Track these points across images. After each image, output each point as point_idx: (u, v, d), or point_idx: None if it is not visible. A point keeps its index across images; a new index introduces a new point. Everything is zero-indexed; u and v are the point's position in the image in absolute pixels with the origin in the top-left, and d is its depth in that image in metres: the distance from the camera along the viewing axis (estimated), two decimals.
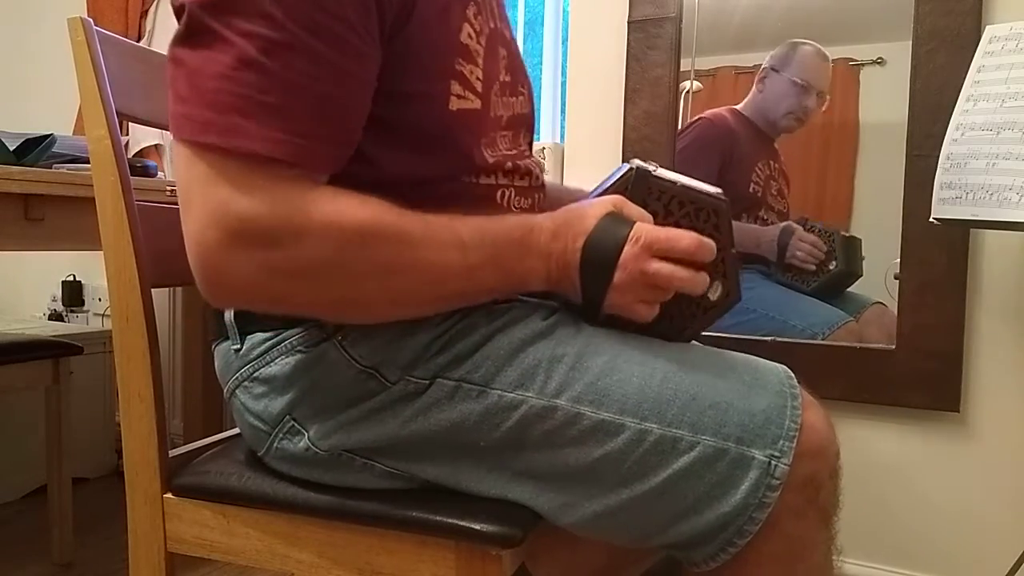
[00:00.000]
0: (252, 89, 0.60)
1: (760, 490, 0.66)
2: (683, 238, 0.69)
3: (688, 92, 1.61)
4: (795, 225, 1.52)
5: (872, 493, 1.46)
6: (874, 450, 1.46)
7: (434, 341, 0.72)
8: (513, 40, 0.87)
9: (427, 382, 0.71)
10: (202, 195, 0.61)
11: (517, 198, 0.82)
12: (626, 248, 0.69)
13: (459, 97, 0.73)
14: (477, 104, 0.75)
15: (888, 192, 1.41)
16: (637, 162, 0.76)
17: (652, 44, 1.61)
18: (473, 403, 0.70)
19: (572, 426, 0.69)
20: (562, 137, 1.85)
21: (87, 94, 0.82)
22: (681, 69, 1.59)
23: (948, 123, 1.14)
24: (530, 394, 0.70)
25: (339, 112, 0.65)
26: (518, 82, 0.87)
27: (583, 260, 0.70)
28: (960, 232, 1.35)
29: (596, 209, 0.72)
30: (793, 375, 0.73)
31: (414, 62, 0.70)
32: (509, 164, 0.81)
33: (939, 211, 1.13)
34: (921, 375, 1.39)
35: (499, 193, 0.80)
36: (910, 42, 1.39)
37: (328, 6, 0.61)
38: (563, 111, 1.80)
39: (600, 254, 0.70)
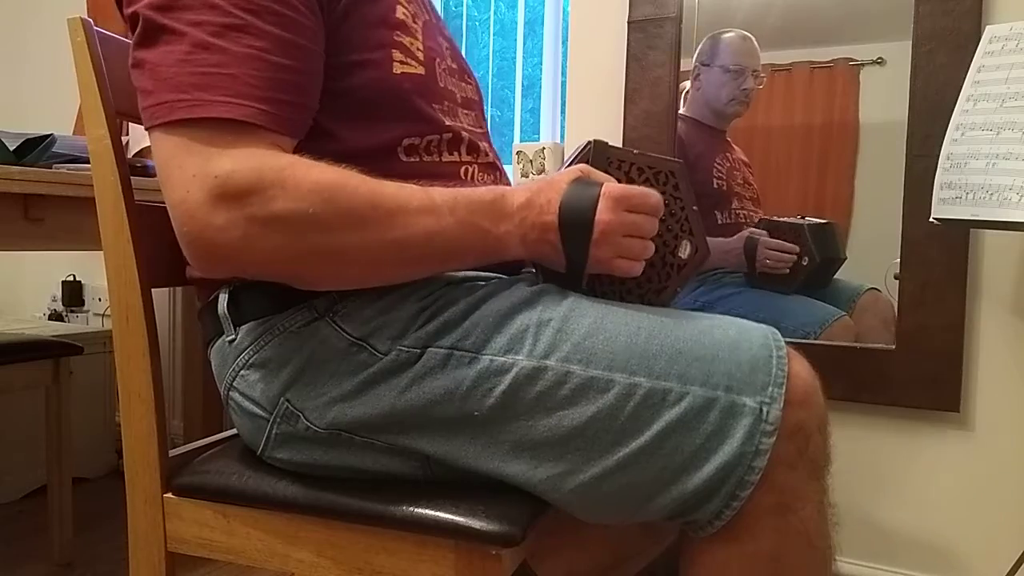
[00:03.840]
0: (209, 66, 0.66)
1: (755, 436, 0.68)
2: (651, 194, 0.75)
3: (685, 92, 1.61)
4: (757, 233, 1.52)
5: (872, 493, 1.46)
6: (874, 450, 1.46)
7: (422, 312, 0.74)
8: (452, 38, 0.94)
9: (419, 351, 0.73)
10: (179, 165, 0.66)
11: (480, 174, 0.86)
12: (600, 204, 0.73)
13: (401, 63, 0.79)
14: (421, 71, 0.81)
15: (888, 192, 1.41)
16: (595, 138, 0.82)
17: (652, 44, 1.61)
18: (465, 369, 0.72)
19: (563, 385, 0.70)
20: (562, 137, 1.85)
21: (87, 94, 0.82)
22: (681, 69, 1.59)
23: (948, 123, 1.14)
24: (520, 357, 0.71)
25: (293, 78, 0.70)
26: (465, 71, 0.93)
27: (562, 220, 0.73)
28: (960, 232, 1.35)
29: (565, 176, 0.76)
30: (776, 330, 0.75)
31: (353, 35, 0.76)
32: (466, 135, 0.85)
33: (939, 211, 1.13)
34: (921, 375, 1.39)
35: (463, 169, 0.84)
36: (910, 42, 1.39)
37: None
38: (563, 111, 1.80)
39: (577, 212, 0.73)
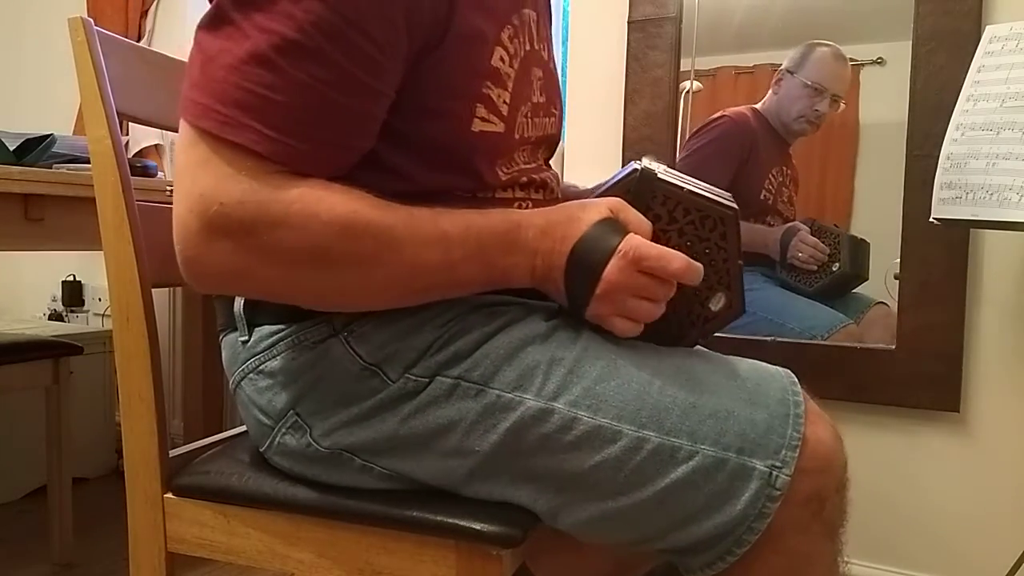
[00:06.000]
0: (258, 84, 0.61)
1: (760, 501, 0.65)
2: (674, 260, 0.67)
3: (688, 92, 1.61)
4: (800, 225, 1.52)
5: (872, 493, 1.46)
6: (874, 450, 1.46)
7: (436, 340, 0.72)
8: (551, 59, 0.87)
9: (427, 380, 0.71)
10: (192, 176, 0.63)
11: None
12: (613, 260, 0.68)
13: (483, 120, 0.73)
14: (500, 128, 0.75)
15: (888, 192, 1.41)
16: (644, 162, 0.73)
17: (652, 44, 1.61)
18: (471, 402, 0.70)
19: (568, 431, 0.68)
20: (562, 137, 1.85)
21: (87, 94, 0.82)
22: (681, 69, 1.59)
23: (948, 123, 1.14)
24: (528, 396, 0.69)
25: (341, 117, 0.65)
26: (551, 103, 0.86)
27: (569, 265, 0.69)
28: (960, 232, 1.35)
29: (590, 213, 0.70)
30: (796, 381, 0.72)
31: (442, 82, 0.70)
32: (524, 179, 0.80)
33: (939, 211, 1.13)
34: (921, 375, 1.39)
35: (515, 206, 0.80)
36: (910, 42, 1.39)
37: (349, 15, 0.62)
38: (563, 111, 1.80)
39: (586, 262, 0.68)
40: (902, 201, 1.39)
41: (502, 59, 0.74)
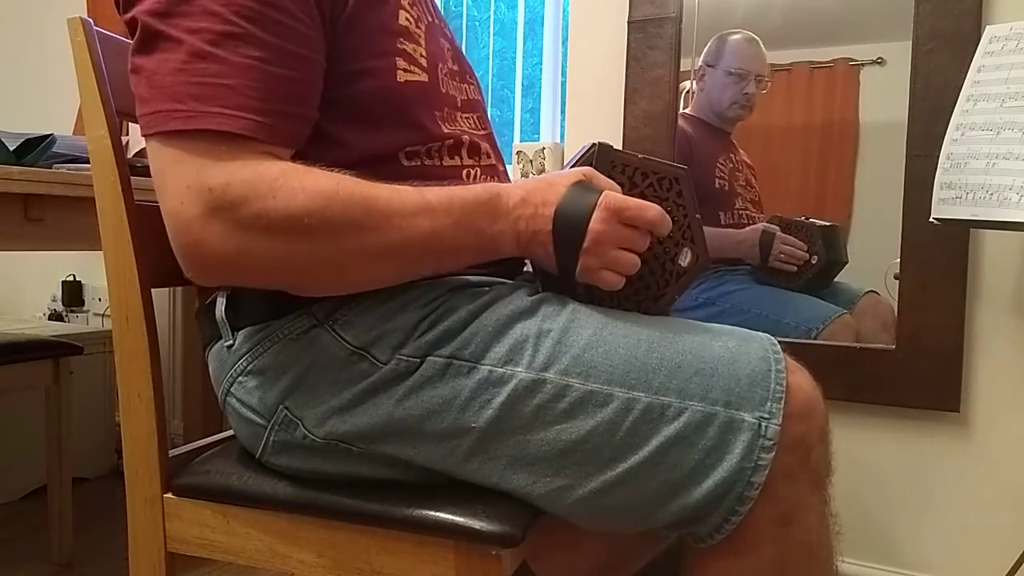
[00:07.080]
0: (206, 76, 0.65)
1: (754, 452, 0.67)
2: (650, 208, 0.72)
3: (688, 92, 1.61)
4: (773, 228, 1.53)
5: (872, 493, 1.46)
6: (874, 450, 1.46)
7: (423, 320, 0.73)
8: (454, 38, 0.93)
9: (418, 360, 0.72)
10: (173, 175, 0.66)
11: (483, 176, 0.86)
12: (595, 214, 0.71)
13: (405, 71, 0.78)
14: (424, 78, 0.80)
15: (888, 192, 1.41)
16: (600, 140, 0.80)
17: (652, 44, 1.61)
18: (464, 379, 0.71)
19: (561, 399, 0.70)
20: (562, 137, 1.85)
21: (87, 94, 0.82)
22: (681, 69, 1.59)
23: (948, 123, 1.14)
24: (519, 368, 0.71)
25: (291, 89, 0.69)
26: (466, 72, 0.92)
27: (555, 225, 0.72)
28: (960, 232, 1.35)
29: (566, 178, 0.74)
30: (776, 342, 0.74)
31: (357, 44, 0.75)
32: (467, 138, 0.84)
33: (939, 211, 1.13)
34: (921, 375, 1.39)
35: (464, 172, 0.84)
36: (910, 42, 1.39)
37: None
38: (563, 111, 1.80)
39: (571, 219, 0.72)
40: (902, 201, 1.39)
41: (408, 20, 0.80)
